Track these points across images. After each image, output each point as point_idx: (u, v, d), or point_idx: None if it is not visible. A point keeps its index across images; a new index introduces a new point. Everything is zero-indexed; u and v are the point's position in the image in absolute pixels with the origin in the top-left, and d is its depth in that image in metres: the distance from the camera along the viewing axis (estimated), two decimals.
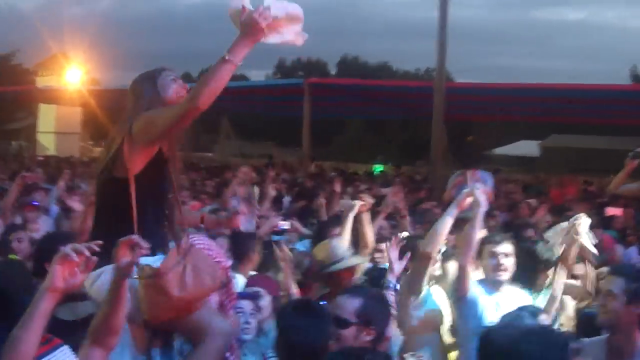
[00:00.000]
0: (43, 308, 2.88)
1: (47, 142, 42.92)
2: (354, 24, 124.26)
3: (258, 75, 78.81)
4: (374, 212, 8.54)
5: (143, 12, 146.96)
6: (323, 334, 4.08)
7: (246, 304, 5.21)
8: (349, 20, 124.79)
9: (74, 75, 34.19)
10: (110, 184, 4.14)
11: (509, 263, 5.69)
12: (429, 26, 20.66)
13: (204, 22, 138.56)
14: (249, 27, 3.80)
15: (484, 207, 5.38)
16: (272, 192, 11.03)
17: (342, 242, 6.14)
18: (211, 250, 3.99)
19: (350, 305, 4.35)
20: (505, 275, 5.67)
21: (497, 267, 5.66)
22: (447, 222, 5.49)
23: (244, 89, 28.45)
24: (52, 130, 43.14)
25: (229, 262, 4.10)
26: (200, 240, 4.02)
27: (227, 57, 3.77)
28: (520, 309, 4.70)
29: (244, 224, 4.43)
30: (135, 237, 3.32)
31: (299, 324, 4.01)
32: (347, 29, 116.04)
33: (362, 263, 6.23)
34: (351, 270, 5.78)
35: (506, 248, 5.69)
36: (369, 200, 7.57)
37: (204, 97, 3.68)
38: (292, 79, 36.18)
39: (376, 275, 6.24)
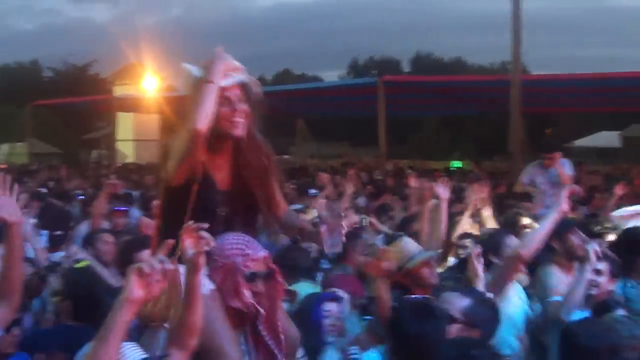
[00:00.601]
0: (121, 319, 2.90)
1: (127, 150, 43.61)
2: (426, 20, 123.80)
3: (331, 76, 79.27)
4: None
5: (215, 18, 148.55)
6: (444, 335, 4.08)
7: (333, 306, 5.20)
8: (421, 17, 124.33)
9: (150, 83, 34.61)
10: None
11: (600, 280, 5.62)
12: (502, 19, 20.40)
13: (276, 25, 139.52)
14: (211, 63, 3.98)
15: (593, 263, 5.30)
16: (351, 189, 11.10)
17: (410, 240, 6.04)
18: (237, 245, 3.94)
19: (458, 303, 4.40)
20: (594, 291, 5.58)
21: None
22: (548, 228, 5.43)
23: (319, 91, 28.51)
24: (130, 137, 43.83)
25: (262, 253, 3.97)
26: (227, 238, 4.00)
27: (207, 79, 3.90)
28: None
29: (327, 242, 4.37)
30: (194, 227, 3.36)
31: (426, 331, 4.00)
32: (419, 25, 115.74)
33: (435, 256, 6.07)
34: (427, 264, 5.71)
35: (598, 264, 5.61)
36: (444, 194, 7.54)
37: (199, 120, 3.82)
38: (366, 78, 36.05)
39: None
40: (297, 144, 39.50)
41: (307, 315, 5.04)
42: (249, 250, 3.90)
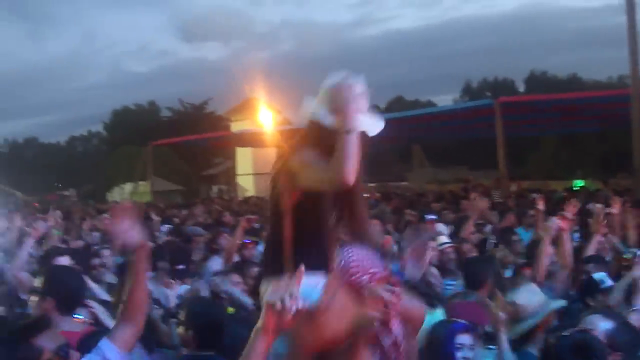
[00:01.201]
0: (258, 348, 3.01)
1: (246, 184, 44.21)
2: (539, 38, 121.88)
3: (445, 100, 78.81)
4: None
5: (324, 50, 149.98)
6: None
7: (466, 339, 5.06)
8: (533, 35, 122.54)
9: (266, 118, 35.01)
10: (276, 214, 4.16)
11: None
12: (617, 32, 19.95)
13: (385, 53, 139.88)
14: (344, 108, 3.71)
15: None
16: (474, 216, 10.98)
17: (528, 291, 5.84)
18: (362, 263, 3.92)
19: (602, 326, 4.36)
20: None
21: None
22: None
23: (435, 115, 28.31)
24: (249, 172, 44.43)
25: (386, 271, 3.94)
26: (351, 254, 3.97)
27: (346, 129, 3.65)
28: None
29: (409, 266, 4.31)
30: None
31: None
32: (531, 44, 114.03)
33: (559, 307, 5.83)
34: (549, 318, 5.60)
35: None
36: (569, 217, 7.45)
37: (348, 174, 3.61)
38: (482, 100, 35.66)
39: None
40: (413, 170, 39.29)
41: (439, 347, 4.92)
42: (374, 269, 3.90)
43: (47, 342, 3.34)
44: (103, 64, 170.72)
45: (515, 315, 5.54)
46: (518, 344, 5.44)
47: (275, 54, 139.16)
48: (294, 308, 2.95)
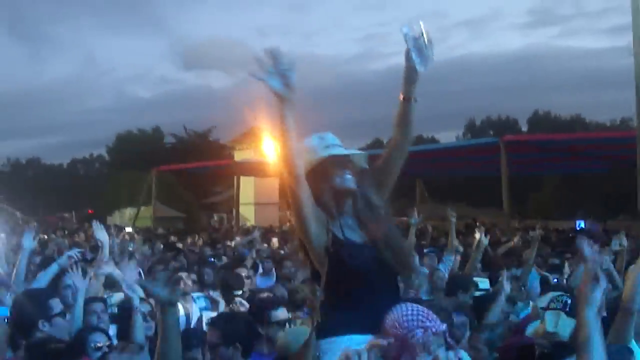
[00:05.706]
0: None
1: (248, 213, 44.10)
2: (543, 79, 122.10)
3: (448, 137, 78.74)
4: None
5: (330, 83, 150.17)
6: None
7: None
8: (537, 75, 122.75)
9: (269, 147, 35.02)
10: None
11: None
12: (621, 74, 20.07)
13: (390, 88, 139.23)
14: None
15: None
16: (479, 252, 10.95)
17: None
18: (415, 316, 3.66)
19: None
20: None
21: None
22: None
23: (437, 152, 28.33)
24: (251, 201, 44.35)
25: (443, 326, 3.66)
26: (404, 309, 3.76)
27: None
28: None
29: None
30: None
31: None
32: (536, 84, 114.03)
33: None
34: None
35: None
36: None
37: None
38: (486, 138, 35.74)
39: None
40: (415, 206, 39.31)
41: None
42: (429, 323, 3.63)
43: None
44: (106, 88, 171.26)
45: None
46: None
47: None
48: None
